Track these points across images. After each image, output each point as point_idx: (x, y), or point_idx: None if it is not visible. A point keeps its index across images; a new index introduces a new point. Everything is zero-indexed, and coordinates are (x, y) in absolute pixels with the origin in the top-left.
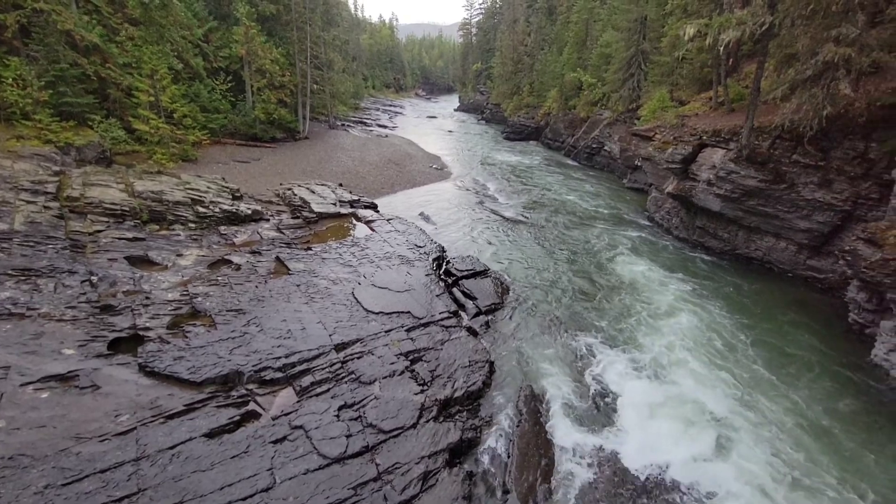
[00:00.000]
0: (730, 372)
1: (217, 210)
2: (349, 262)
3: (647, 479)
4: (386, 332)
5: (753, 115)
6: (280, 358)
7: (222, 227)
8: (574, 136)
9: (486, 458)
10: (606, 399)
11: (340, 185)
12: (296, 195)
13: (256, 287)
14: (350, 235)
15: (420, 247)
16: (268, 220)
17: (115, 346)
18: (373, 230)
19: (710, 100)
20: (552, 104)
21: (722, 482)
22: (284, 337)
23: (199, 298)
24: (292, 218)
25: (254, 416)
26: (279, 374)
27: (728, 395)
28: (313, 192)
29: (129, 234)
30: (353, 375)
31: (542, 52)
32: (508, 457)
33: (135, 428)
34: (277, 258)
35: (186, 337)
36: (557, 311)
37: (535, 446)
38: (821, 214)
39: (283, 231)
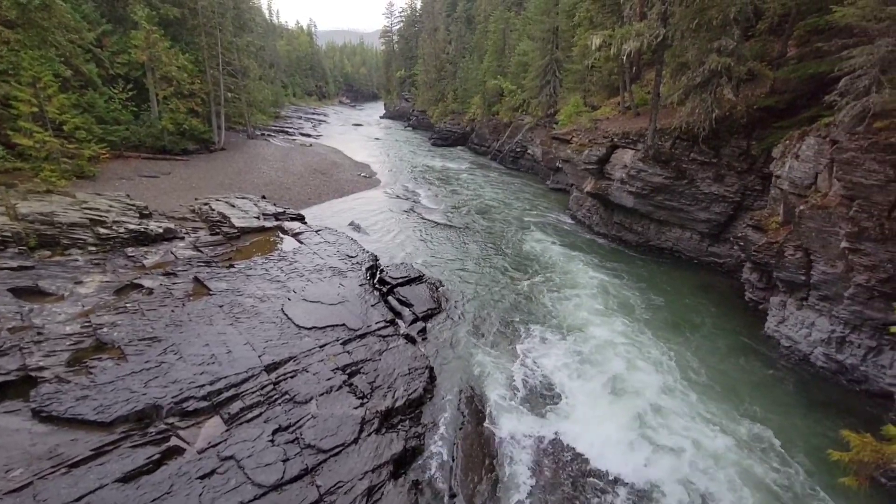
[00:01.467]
0: (650, 348)
1: (122, 230)
2: (277, 278)
3: (583, 460)
4: (320, 347)
5: (656, 118)
6: (204, 386)
7: (129, 249)
8: (499, 140)
9: (431, 465)
10: (543, 386)
11: (263, 197)
12: (213, 210)
13: (173, 311)
14: (276, 250)
15: (352, 257)
16: (182, 238)
17: (1, 391)
18: (301, 243)
19: (618, 104)
20: (476, 110)
21: (647, 452)
22: (208, 363)
23: (105, 329)
24: (211, 235)
25: (177, 451)
26: (204, 404)
27: (651, 370)
28: (233, 206)
29: (13, 263)
30: (286, 396)
31: (464, 59)
32: (453, 460)
33: (31, 483)
34: (196, 278)
35: (91, 373)
36: (492, 309)
37: (479, 445)
38: (717, 206)
39: (201, 249)
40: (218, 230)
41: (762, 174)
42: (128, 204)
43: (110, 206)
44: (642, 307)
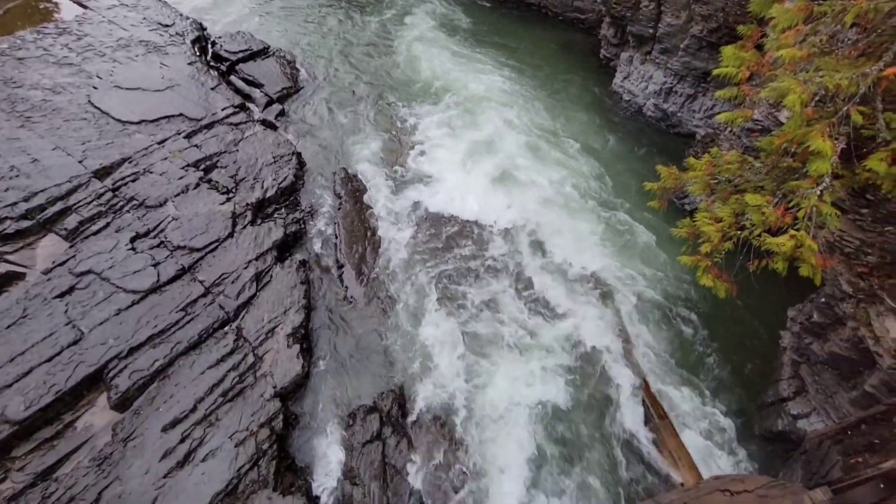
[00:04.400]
0: (515, 103)
1: None
2: (67, 60)
3: (454, 219)
4: (159, 143)
5: None
6: (17, 203)
7: None
8: None
9: (316, 245)
10: (416, 158)
11: None
12: None
13: None
14: (52, 20)
15: (167, 25)
16: None
17: None
18: (85, 7)
19: None
20: None
21: (507, 196)
22: (10, 177)
23: None
24: None
25: (16, 277)
26: (27, 223)
27: (515, 124)
28: None
29: None
30: (134, 202)
31: None
32: (336, 237)
33: None
34: None
35: None
36: (354, 79)
37: (360, 221)
38: None
39: None
40: None
41: None
42: None
43: None
44: (510, 66)
